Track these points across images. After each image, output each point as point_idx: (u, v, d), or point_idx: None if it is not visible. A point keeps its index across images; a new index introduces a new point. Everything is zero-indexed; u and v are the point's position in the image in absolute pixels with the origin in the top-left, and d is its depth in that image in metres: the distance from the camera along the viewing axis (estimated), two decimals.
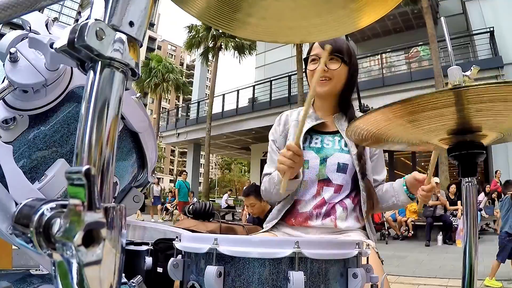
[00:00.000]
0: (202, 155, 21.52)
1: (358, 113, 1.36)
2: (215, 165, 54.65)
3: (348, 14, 0.55)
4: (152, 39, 60.36)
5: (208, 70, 23.41)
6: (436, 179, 8.00)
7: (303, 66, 1.39)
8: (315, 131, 1.33)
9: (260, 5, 0.55)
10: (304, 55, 1.38)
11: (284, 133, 1.37)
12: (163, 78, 22.09)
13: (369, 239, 1.23)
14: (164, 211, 13.66)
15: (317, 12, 0.55)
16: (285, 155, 1.07)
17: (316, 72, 1.14)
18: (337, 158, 1.25)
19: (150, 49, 53.52)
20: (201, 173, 27.12)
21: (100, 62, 0.33)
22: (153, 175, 0.77)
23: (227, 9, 0.55)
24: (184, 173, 13.88)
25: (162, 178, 51.92)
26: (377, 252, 1.14)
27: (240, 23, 0.58)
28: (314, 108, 1.38)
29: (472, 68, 0.78)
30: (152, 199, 13.29)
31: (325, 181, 1.25)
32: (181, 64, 61.69)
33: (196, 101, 19.74)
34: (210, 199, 20.53)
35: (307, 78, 1.36)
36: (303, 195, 1.27)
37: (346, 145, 1.28)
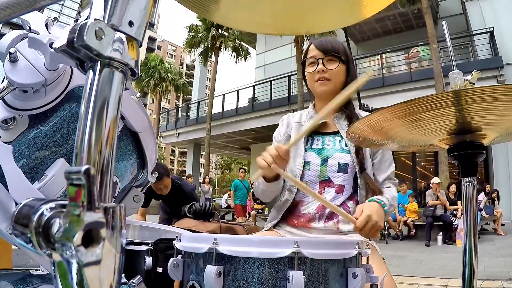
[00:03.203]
0: (202, 155, 21.50)
1: (358, 111, 1.35)
2: (215, 165, 54.54)
3: (352, 5, 0.55)
4: (152, 39, 60.33)
5: (208, 70, 23.41)
6: (436, 179, 8.01)
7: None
8: (316, 132, 1.34)
9: None
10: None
11: (287, 134, 1.38)
12: (161, 78, 22.03)
13: (370, 240, 1.22)
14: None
15: (321, 4, 0.55)
16: (270, 153, 1.02)
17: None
18: (337, 158, 1.26)
19: (150, 49, 53.48)
20: (201, 173, 27.14)
21: (99, 62, 0.33)
22: (153, 174, 0.77)
23: (233, 4, 0.55)
24: (241, 170, 11.68)
25: None
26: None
27: (245, 18, 0.58)
28: (315, 109, 1.39)
29: (473, 72, 0.79)
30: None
31: (326, 182, 1.26)
32: (181, 64, 61.68)
33: (196, 101, 19.72)
34: None
35: (305, 81, 1.36)
36: (304, 196, 1.27)
37: (346, 144, 1.28)
